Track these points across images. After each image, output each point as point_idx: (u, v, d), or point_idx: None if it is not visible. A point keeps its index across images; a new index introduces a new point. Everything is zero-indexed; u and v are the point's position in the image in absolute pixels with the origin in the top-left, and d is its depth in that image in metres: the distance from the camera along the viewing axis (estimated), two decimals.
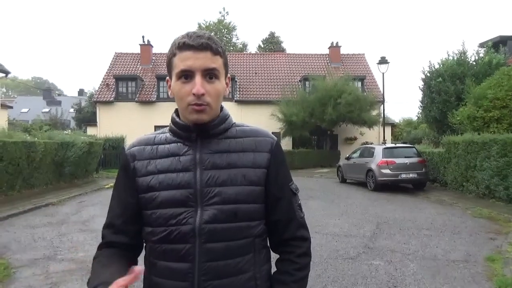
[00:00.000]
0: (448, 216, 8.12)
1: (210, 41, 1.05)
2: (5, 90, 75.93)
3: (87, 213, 8.54)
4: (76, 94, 56.36)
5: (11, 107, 25.09)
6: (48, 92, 57.62)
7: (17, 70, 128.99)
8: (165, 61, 1.13)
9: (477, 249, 5.56)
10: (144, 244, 1.16)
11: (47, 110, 46.62)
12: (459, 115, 12.57)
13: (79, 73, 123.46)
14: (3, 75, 18.04)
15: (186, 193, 1.06)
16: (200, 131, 1.10)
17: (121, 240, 1.13)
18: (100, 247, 1.16)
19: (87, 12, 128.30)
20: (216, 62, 1.06)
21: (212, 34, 1.12)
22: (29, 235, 6.47)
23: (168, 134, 1.16)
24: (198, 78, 1.04)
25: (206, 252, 1.04)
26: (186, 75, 1.05)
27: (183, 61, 1.04)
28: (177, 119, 1.13)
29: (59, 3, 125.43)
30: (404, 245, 5.75)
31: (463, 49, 17.23)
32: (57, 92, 69.96)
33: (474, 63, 16.37)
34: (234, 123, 1.19)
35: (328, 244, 5.79)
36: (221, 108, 1.16)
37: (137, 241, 1.16)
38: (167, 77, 1.15)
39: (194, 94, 1.03)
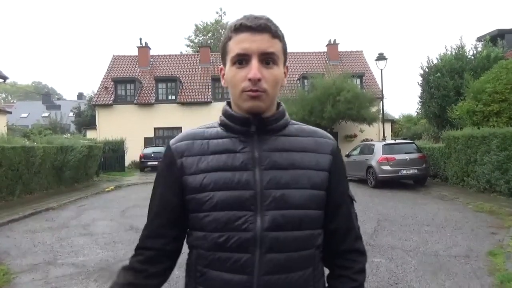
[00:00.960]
0: (449, 211, 8.10)
1: (269, 23, 0.96)
2: (4, 96, 76.07)
3: (87, 217, 8.52)
4: (76, 98, 56.32)
5: (10, 112, 25.07)
6: (47, 97, 57.71)
7: (17, 76, 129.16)
8: (221, 45, 1.02)
9: (478, 244, 5.54)
10: (189, 251, 1.06)
11: (46, 114, 46.63)
12: (458, 110, 12.53)
13: (78, 77, 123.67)
14: (1, 80, 18.08)
15: (246, 195, 0.96)
16: (260, 125, 1.00)
17: (155, 246, 1.04)
18: (135, 251, 1.07)
19: (85, 16, 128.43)
20: (274, 46, 0.97)
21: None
22: (29, 240, 6.46)
23: (219, 128, 1.05)
24: (254, 62, 0.94)
25: (266, 264, 0.94)
26: (242, 59, 0.96)
27: (239, 43, 0.95)
28: (232, 112, 1.03)
29: (56, 8, 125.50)
30: (405, 242, 5.73)
31: (461, 43, 17.21)
32: (56, 96, 70.01)
33: (472, 57, 16.35)
34: (291, 120, 1.09)
35: None
36: (279, 103, 1.07)
37: (173, 247, 1.06)
38: (221, 66, 1.06)
39: (250, 80, 0.94)
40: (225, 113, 1.05)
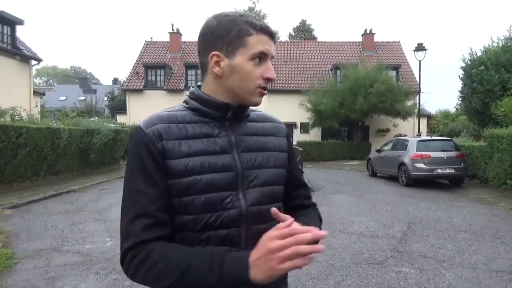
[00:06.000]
0: (489, 217, 7.35)
1: None
2: (46, 79, 79.11)
3: (105, 201, 8.41)
4: (111, 83, 57.54)
5: (44, 94, 25.81)
6: (84, 81, 59.22)
7: (57, 60, 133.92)
8: (224, 33, 1.01)
9: None
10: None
11: (83, 98, 47.87)
12: (503, 106, 11.57)
13: (114, 63, 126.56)
14: (36, 62, 18.48)
15: (229, 176, 1.01)
16: (237, 113, 1.06)
17: (163, 234, 0.95)
18: (129, 251, 0.93)
19: (123, 1, 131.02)
20: None
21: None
22: (42, 223, 6.35)
23: (189, 113, 1.05)
24: (270, 64, 1.04)
25: (252, 235, 1.01)
26: (261, 58, 1.03)
27: (263, 44, 1.02)
28: (212, 98, 1.05)
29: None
30: (439, 250, 5.13)
31: (509, 34, 15.93)
32: (93, 81, 71.88)
33: None
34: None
35: (352, 246, 5.26)
36: None
37: (169, 233, 0.99)
38: (215, 52, 1.02)
39: (269, 79, 1.04)
40: (199, 99, 1.06)
